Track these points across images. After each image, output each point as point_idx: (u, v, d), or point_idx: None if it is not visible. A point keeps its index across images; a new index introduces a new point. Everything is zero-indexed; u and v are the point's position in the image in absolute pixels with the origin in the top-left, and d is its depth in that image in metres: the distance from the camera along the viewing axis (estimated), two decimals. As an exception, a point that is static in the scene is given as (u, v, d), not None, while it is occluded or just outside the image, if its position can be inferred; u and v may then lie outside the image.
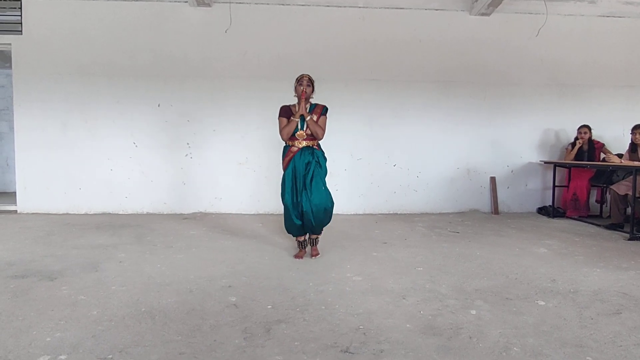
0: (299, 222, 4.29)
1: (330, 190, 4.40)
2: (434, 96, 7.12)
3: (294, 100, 4.33)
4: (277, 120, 4.38)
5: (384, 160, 7.12)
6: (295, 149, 4.31)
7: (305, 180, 4.23)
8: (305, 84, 4.23)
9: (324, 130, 4.35)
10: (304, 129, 4.29)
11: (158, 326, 2.71)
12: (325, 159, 4.44)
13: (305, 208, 4.20)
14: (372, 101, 6.97)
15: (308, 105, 4.33)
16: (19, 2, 6.65)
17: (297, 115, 4.21)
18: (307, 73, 4.34)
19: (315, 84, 4.35)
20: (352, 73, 6.95)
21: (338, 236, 5.35)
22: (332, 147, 6.44)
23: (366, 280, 3.67)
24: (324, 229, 4.51)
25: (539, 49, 7.21)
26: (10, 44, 6.67)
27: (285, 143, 4.39)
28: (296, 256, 4.40)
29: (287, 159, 4.33)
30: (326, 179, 4.35)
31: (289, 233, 4.49)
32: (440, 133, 7.17)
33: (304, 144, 4.31)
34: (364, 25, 6.97)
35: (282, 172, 4.40)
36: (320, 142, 4.44)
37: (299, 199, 4.25)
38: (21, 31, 6.66)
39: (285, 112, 4.33)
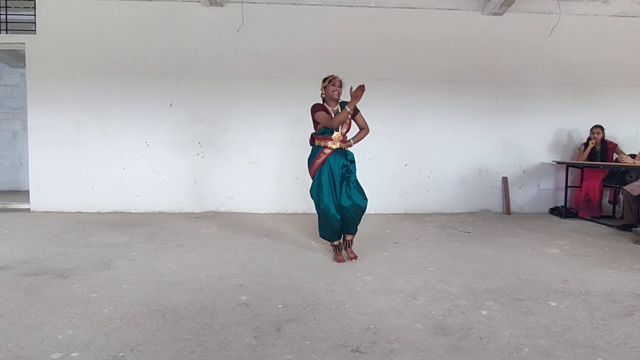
0: (338, 227, 4.25)
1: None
2: (445, 95, 7.09)
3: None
4: (312, 117, 4.28)
5: (395, 160, 7.10)
6: (328, 150, 4.22)
7: (345, 181, 4.21)
8: (338, 84, 4.21)
9: (367, 125, 4.43)
10: (339, 130, 4.22)
11: (169, 324, 2.72)
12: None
13: (347, 207, 4.15)
14: (384, 100, 6.94)
15: (338, 106, 4.29)
16: (33, 2, 6.72)
17: (350, 110, 4.12)
18: (332, 74, 4.31)
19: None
20: (364, 72, 6.91)
21: (348, 236, 5.36)
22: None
23: (377, 280, 3.66)
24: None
25: (552, 48, 7.16)
26: (24, 44, 6.73)
27: (316, 144, 4.30)
28: (337, 260, 4.25)
29: (320, 160, 4.24)
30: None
31: (324, 238, 4.41)
32: (451, 132, 7.14)
33: (338, 145, 4.23)
34: (375, 24, 6.96)
35: (310, 175, 4.36)
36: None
37: (340, 202, 4.18)
38: (35, 31, 6.73)
39: (323, 107, 4.25)
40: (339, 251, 4.33)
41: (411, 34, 7.01)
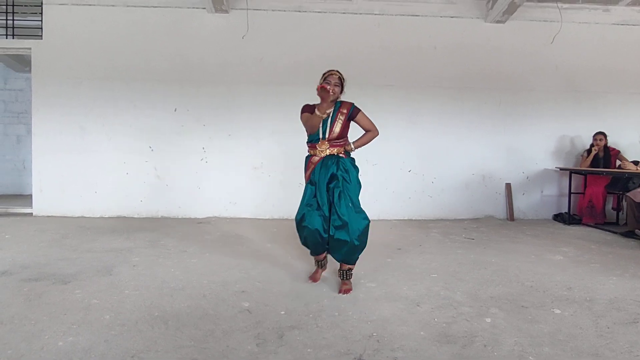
0: (313, 240, 3.60)
1: (362, 209, 3.64)
2: (448, 102, 7.10)
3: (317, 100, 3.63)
4: (300, 121, 3.72)
5: (399, 166, 7.09)
6: (316, 158, 3.67)
7: (331, 197, 3.55)
8: (333, 83, 3.57)
9: (373, 126, 3.76)
10: (326, 136, 3.63)
11: (171, 331, 2.71)
12: (356, 168, 3.75)
13: (338, 228, 3.49)
14: (388, 107, 6.94)
15: (332, 105, 3.64)
16: (40, 7, 6.77)
17: (320, 114, 3.41)
18: (337, 70, 3.69)
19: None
20: (368, 79, 6.93)
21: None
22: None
23: (380, 287, 3.64)
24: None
25: (554, 56, 7.17)
26: (30, 49, 6.78)
27: (308, 152, 3.79)
28: (311, 278, 3.79)
29: (308, 172, 3.71)
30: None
31: (311, 254, 3.83)
32: (455, 139, 7.14)
33: (327, 152, 3.64)
34: (379, 32, 6.98)
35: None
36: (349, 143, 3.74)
37: (331, 222, 3.52)
38: (41, 36, 6.77)
39: (309, 109, 3.64)
40: (318, 267, 3.84)
41: (415, 41, 7.03)
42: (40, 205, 6.83)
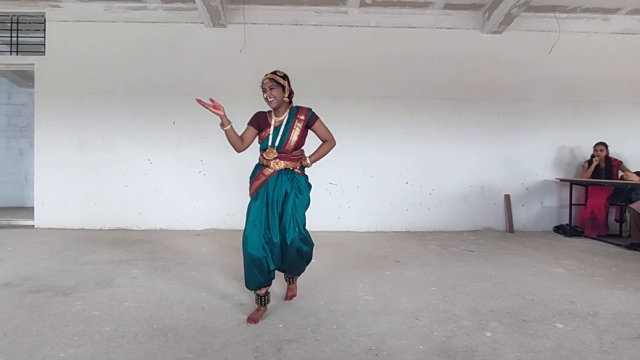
0: (260, 269, 3.17)
1: (307, 231, 3.36)
2: (446, 113, 7.11)
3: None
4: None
5: (396, 177, 7.09)
6: (269, 171, 3.25)
7: (282, 213, 3.22)
8: (268, 87, 3.20)
9: (331, 136, 3.43)
10: (275, 144, 3.24)
11: (170, 343, 2.71)
12: (309, 186, 3.40)
13: (278, 246, 3.22)
14: (385, 118, 6.98)
15: (288, 111, 3.34)
16: (43, 24, 6.89)
17: (224, 127, 3.34)
18: (273, 72, 3.36)
19: (290, 81, 3.41)
20: (365, 91, 6.97)
21: (350, 254, 5.32)
22: (344, 164, 6.49)
23: (378, 300, 3.63)
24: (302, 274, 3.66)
25: (552, 66, 7.19)
26: (33, 64, 6.87)
27: (259, 160, 3.38)
28: (250, 319, 3.10)
29: (258, 183, 3.27)
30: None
31: (248, 287, 3.27)
32: (453, 150, 7.14)
33: (282, 165, 3.26)
34: (376, 43, 7.02)
35: (251, 200, 3.34)
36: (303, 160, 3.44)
37: (272, 238, 3.20)
38: (44, 52, 6.87)
39: (254, 120, 3.39)
40: (260, 305, 3.25)
41: (411, 53, 7.07)
42: (42, 218, 6.86)
